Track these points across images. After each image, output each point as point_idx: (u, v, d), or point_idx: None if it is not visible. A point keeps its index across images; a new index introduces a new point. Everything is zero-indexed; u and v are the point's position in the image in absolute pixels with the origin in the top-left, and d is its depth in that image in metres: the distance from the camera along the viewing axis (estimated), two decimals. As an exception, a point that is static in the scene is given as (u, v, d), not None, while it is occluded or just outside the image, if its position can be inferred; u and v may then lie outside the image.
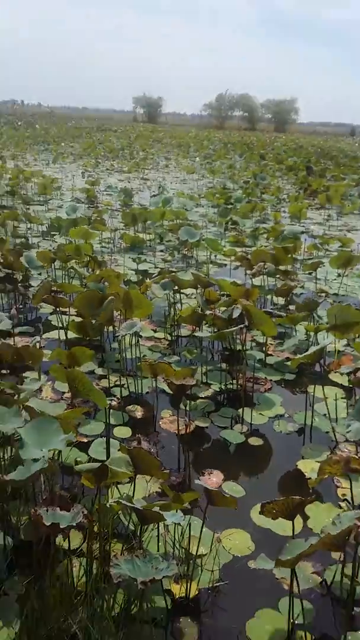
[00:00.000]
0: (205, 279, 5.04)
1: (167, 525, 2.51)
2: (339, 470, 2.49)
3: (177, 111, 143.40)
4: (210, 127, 79.38)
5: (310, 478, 2.87)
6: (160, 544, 2.44)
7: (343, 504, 2.77)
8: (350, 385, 3.92)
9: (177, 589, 2.23)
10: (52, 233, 8.27)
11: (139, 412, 3.59)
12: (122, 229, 8.98)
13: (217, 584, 2.28)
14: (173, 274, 5.43)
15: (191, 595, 2.21)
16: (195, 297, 5.32)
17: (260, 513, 2.14)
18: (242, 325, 4.11)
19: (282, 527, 2.53)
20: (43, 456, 2.24)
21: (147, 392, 3.84)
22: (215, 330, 4.42)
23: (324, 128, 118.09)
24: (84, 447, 3.14)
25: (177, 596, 2.21)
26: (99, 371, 4.13)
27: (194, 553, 2.34)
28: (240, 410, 3.63)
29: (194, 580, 2.27)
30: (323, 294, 6.27)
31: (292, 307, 5.61)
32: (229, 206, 11.27)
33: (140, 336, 4.57)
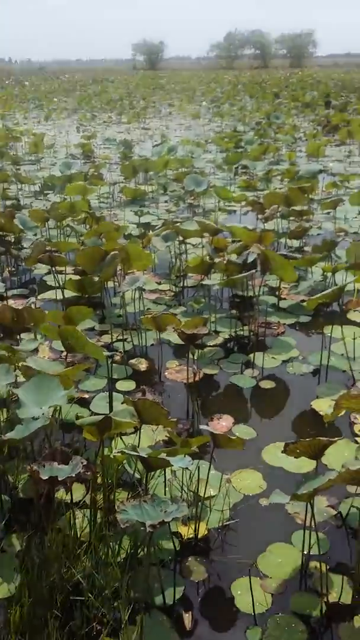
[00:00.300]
0: (212, 226, 5.05)
1: (175, 471, 2.62)
2: (357, 405, 2.53)
3: (180, 55, 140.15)
4: (219, 69, 77.54)
5: (326, 413, 2.92)
6: (167, 489, 2.53)
7: (359, 439, 2.83)
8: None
9: (186, 531, 2.33)
10: (46, 192, 8.30)
11: (143, 365, 3.67)
12: (122, 183, 8.97)
13: (227, 523, 2.38)
14: (177, 224, 5.45)
15: (200, 536, 2.31)
16: (202, 247, 5.33)
17: (282, 452, 2.16)
18: (253, 270, 4.14)
19: (295, 465, 2.61)
20: (43, 414, 2.32)
21: (152, 345, 3.91)
22: (225, 277, 4.45)
23: (346, 59, 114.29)
24: (85, 403, 3.25)
25: (185, 537, 2.31)
26: (101, 328, 4.21)
27: (203, 495, 2.43)
28: (251, 356, 3.68)
29: (202, 521, 2.37)
30: (342, 233, 6.23)
31: (307, 249, 5.59)
32: (239, 150, 11.13)
33: (144, 289, 4.62)
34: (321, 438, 2.03)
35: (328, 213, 6.94)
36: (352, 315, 4.18)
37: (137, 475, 2.59)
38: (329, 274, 4.75)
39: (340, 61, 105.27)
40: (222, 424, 3.02)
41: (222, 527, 2.37)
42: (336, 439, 2.08)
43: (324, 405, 3.11)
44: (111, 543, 2.20)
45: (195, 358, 3.58)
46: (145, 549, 2.13)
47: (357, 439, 2.86)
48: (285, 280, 4.43)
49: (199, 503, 2.39)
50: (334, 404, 2.52)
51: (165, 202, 7.99)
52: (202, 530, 2.34)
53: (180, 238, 5.17)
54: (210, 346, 3.86)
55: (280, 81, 36.45)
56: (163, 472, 2.56)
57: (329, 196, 7.68)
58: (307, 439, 2.02)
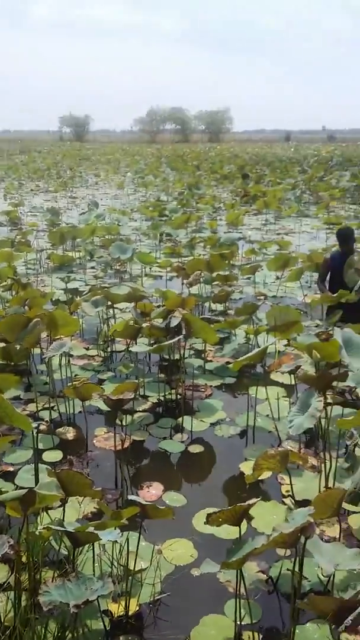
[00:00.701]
0: (139, 291, 5.10)
1: (104, 545, 2.51)
2: (276, 465, 2.56)
3: (106, 128, 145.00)
4: (142, 142, 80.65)
5: (247, 476, 2.92)
6: (96, 565, 2.41)
7: (287, 500, 2.84)
8: (292, 384, 4.04)
9: (116, 608, 2.22)
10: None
11: (70, 434, 3.56)
12: (50, 249, 8.96)
13: (159, 597, 2.29)
14: (105, 289, 5.46)
15: (131, 613, 2.20)
16: (129, 311, 5.36)
17: (205, 523, 2.14)
18: (180, 336, 4.18)
19: (225, 531, 2.56)
20: None
21: (80, 412, 3.81)
22: (152, 342, 4.47)
23: (259, 135, 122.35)
24: (10, 477, 3.09)
25: (115, 615, 2.19)
26: (26, 396, 4.08)
27: (133, 569, 2.34)
28: (180, 420, 3.67)
29: (133, 596, 2.26)
30: (262, 297, 6.47)
31: (231, 312, 5.74)
32: (164, 218, 11.48)
33: (71, 355, 4.55)
34: (241, 504, 2.02)
35: (248, 278, 7.20)
36: (275, 376, 4.27)
37: (64, 552, 2.46)
38: (252, 336, 4.88)
39: (253, 137, 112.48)
40: (152, 492, 2.95)
41: (154, 601, 2.27)
42: (254, 501, 2.07)
43: (251, 468, 3.10)
44: (37, 627, 2.05)
45: (124, 424, 3.52)
46: (74, 631, 2.00)
47: (284, 500, 2.86)
48: (207, 342, 4.51)
49: (129, 577, 2.29)
50: (253, 465, 2.54)
51: (93, 268, 8.03)
52: (133, 607, 2.23)
53: (109, 303, 5.18)
54: (139, 411, 3.82)
55: (200, 154, 38.31)
56: (91, 547, 2.45)
57: (249, 262, 7.99)
58: (227, 508, 2.01)
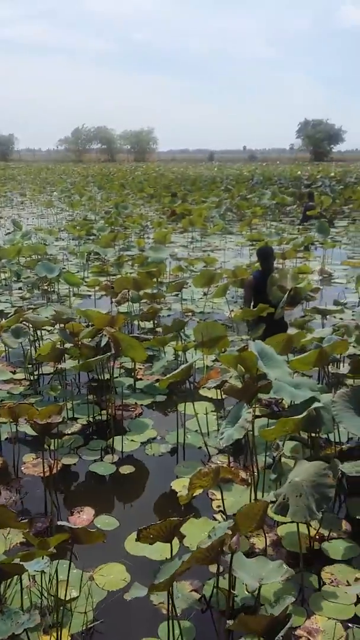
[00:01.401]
0: (65, 314, 5.00)
1: (34, 575, 2.41)
2: (209, 483, 2.56)
3: (32, 147, 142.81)
4: (69, 161, 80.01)
5: (181, 496, 2.91)
6: (26, 597, 2.31)
7: (218, 516, 2.84)
8: (220, 398, 4.08)
9: (47, 641, 2.13)
10: None
11: (-3, 461, 3.42)
12: (-27, 272, 8.66)
13: (92, 625, 2.22)
14: (26, 314, 5.32)
15: (63, 644, 2.12)
16: (57, 332, 5.24)
17: (136, 540, 2.12)
18: (108, 354, 4.13)
19: (158, 551, 2.53)
20: None
21: (7, 439, 3.68)
22: (81, 362, 4.38)
23: (184, 155, 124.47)
24: None
25: (47, 649, 2.10)
26: None
27: (64, 598, 2.26)
28: (110, 440, 3.61)
29: (65, 627, 2.18)
30: (190, 313, 6.52)
31: (160, 330, 5.75)
32: (92, 237, 11.39)
33: (-4, 380, 4.40)
34: (171, 519, 2.01)
35: (176, 295, 7.24)
36: (203, 392, 4.30)
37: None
38: (180, 353, 4.90)
39: (178, 156, 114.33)
40: (82, 517, 2.87)
41: (86, 630, 2.20)
42: (186, 517, 2.06)
43: (181, 485, 3.10)
44: None
45: (53, 448, 3.42)
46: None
47: (215, 515, 2.87)
48: (136, 360, 4.48)
49: (61, 607, 2.21)
50: (188, 485, 2.53)
51: (20, 289, 7.83)
52: (65, 638, 2.15)
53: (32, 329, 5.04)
54: (68, 434, 3.72)
55: (126, 174, 38.45)
56: (19, 579, 2.34)
57: (176, 279, 8.05)
58: (157, 522, 1.98)
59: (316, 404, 2.82)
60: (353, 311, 5.94)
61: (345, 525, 2.77)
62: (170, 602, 2.02)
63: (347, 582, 2.39)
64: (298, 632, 2.14)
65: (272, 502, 2.44)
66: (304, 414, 2.72)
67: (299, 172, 33.90)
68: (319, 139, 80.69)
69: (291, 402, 3.18)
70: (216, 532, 2.17)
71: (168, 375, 3.69)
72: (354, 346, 4.12)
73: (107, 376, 4.56)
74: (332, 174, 30.65)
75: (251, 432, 3.26)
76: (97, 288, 7.23)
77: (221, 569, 2.31)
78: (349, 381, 4.14)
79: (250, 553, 2.56)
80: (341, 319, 5.88)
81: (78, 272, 8.62)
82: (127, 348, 4.13)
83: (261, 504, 2.20)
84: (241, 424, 2.73)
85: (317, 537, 2.65)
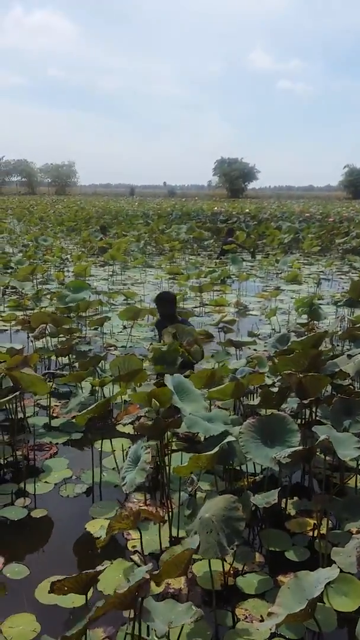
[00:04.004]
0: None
1: None
2: (129, 525, 2.49)
3: None
4: (-13, 193, 78.16)
5: (99, 537, 2.82)
6: None
7: (135, 557, 2.76)
8: (136, 434, 4.02)
9: None
10: None
11: None
12: None
13: None
14: None
15: None
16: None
17: (49, 592, 2.01)
18: (15, 393, 3.97)
19: (69, 599, 2.41)
20: None
21: None
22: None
23: (106, 189, 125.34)
24: None
25: None
26: None
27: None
28: (22, 484, 3.45)
29: None
30: (111, 348, 6.45)
31: (77, 365, 5.63)
32: (9, 270, 11.10)
33: None
34: (88, 571, 1.93)
35: (96, 329, 7.16)
36: (120, 428, 4.23)
37: None
38: (98, 388, 4.81)
39: (99, 190, 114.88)
40: (-9, 566, 2.70)
41: None
42: (104, 567, 1.99)
43: (97, 526, 3.00)
44: None
45: None
46: None
47: (132, 557, 2.79)
48: (39, 394, 4.35)
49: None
50: (106, 527, 2.45)
51: None
52: None
53: None
54: (-23, 479, 3.53)
55: (47, 207, 38.05)
56: None
57: (96, 313, 7.97)
58: (73, 575, 1.90)
59: (228, 439, 2.84)
60: (265, 342, 6.11)
61: (259, 558, 2.78)
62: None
63: (261, 616, 2.38)
64: (213, 672, 2.10)
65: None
66: (216, 449, 2.73)
67: (216, 208, 34.97)
68: (234, 176, 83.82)
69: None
70: (135, 575, 2.11)
71: (84, 411, 3.60)
72: (268, 376, 4.22)
73: (20, 415, 4.39)
74: (247, 210, 31.87)
75: (168, 467, 3.24)
76: (13, 322, 7.02)
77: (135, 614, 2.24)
78: (262, 411, 4.22)
79: (165, 594, 2.50)
80: (255, 350, 6.03)
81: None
82: (28, 384, 3.99)
83: (188, 553, 2.15)
84: (141, 467, 2.69)
85: (231, 571, 2.64)
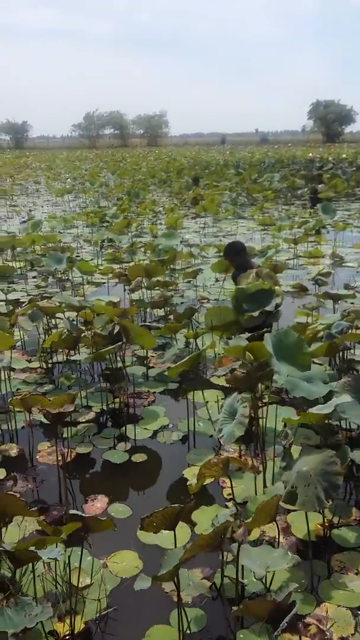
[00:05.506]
0: (73, 303, 5.00)
1: (49, 563, 2.44)
2: (218, 472, 2.55)
3: (47, 134, 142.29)
4: (82, 148, 79.65)
5: (190, 485, 2.91)
6: (41, 585, 2.34)
7: (230, 504, 2.84)
8: (229, 386, 4.05)
9: (62, 628, 2.15)
10: None
11: (13, 450, 3.45)
12: (-11, 260, 8.69)
13: (105, 612, 2.24)
14: (45, 300, 5.33)
15: (77, 631, 2.14)
16: (73, 320, 5.24)
17: (140, 529, 2.14)
18: (119, 343, 4.12)
19: (169, 539, 2.53)
20: None
21: (23, 427, 3.70)
22: (94, 351, 4.39)
23: (196, 139, 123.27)
24: None
25: (62, 635, 2.13)
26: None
27: (78, 585, 2.28)
28: (123, 429, 3.62)
29: (79, 614, 2.20)
30: (204, 300, 6.48)
31: (172, 317, 5.72)
32: (105, 224, 11.35)
33: (13, 369, 4.42)
34: (173, 506, 2.00)
35: (189, 282, 7.21)
36: (214, 380, 4.28)
37: (7, 574, 2.37)
38: (192, 340, 4.87)
39: (190, 140, 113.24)
40: (97, 505, 2.89)
41: (100, 617, 2.22)
42: (188, 504, 2.06)
43: (192, 473, 3.09)
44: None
45: (67, 437, 3.44)
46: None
47: (227, 503, 2.86)
48: (146, 348, 4.48)
49: (74, 595, 2.23)
50: (197, 475, 2.53)
51: (34, 277, 7.84)
52: (79, 625, 2.17)
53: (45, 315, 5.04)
54: (82, 422, 3.74)
55: (139, 159, 38.18)
56: (33, 567, 2.37)
57: (189, 266, 8.00)
58: (160, 510, 1.98)
59: (340, 400, 2.71)
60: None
61: (355, 513, 2.76)
62: (178, 591, 2.02)
63: (357, 570, 2.38)
64: (308, 619, 2.15)
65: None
66: (332, 408, 2.64)
67: (310, 154, 33.40)
68: (330, 120, 79.19)
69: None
70: (219, 519, 2.17)
71: (177, 364, 3.68)
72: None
73: (119, 364, 4.57)
74: (344, 156, 30.16)
75: (263, 419, 3.26)
76: (110, 275, 7.23)
77: (230, 557, 2.31)
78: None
79: (260, 541, 2.55)
80: (352, 303, 5.81)
81: (92, 259, 8.59)
82: (136, 336, 4.13)
83: (275, 499, 2.18)
84: (239, 420, 2.70)
85: (327, 524, 2.64)
